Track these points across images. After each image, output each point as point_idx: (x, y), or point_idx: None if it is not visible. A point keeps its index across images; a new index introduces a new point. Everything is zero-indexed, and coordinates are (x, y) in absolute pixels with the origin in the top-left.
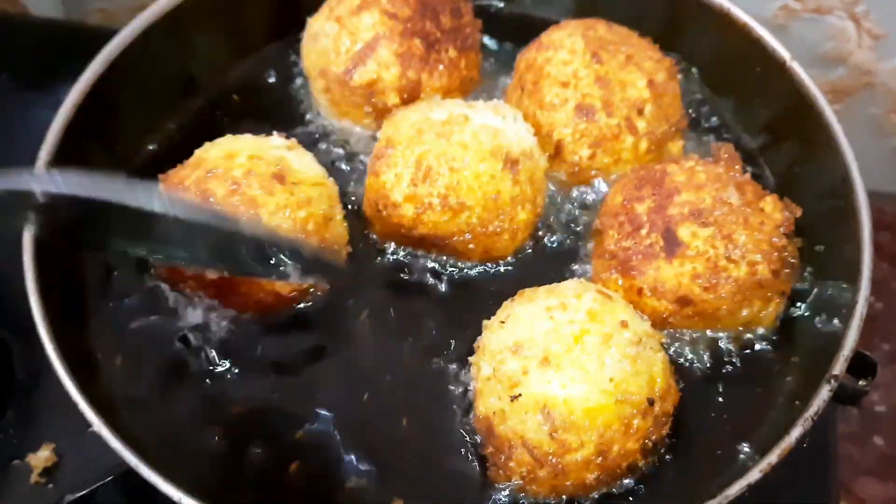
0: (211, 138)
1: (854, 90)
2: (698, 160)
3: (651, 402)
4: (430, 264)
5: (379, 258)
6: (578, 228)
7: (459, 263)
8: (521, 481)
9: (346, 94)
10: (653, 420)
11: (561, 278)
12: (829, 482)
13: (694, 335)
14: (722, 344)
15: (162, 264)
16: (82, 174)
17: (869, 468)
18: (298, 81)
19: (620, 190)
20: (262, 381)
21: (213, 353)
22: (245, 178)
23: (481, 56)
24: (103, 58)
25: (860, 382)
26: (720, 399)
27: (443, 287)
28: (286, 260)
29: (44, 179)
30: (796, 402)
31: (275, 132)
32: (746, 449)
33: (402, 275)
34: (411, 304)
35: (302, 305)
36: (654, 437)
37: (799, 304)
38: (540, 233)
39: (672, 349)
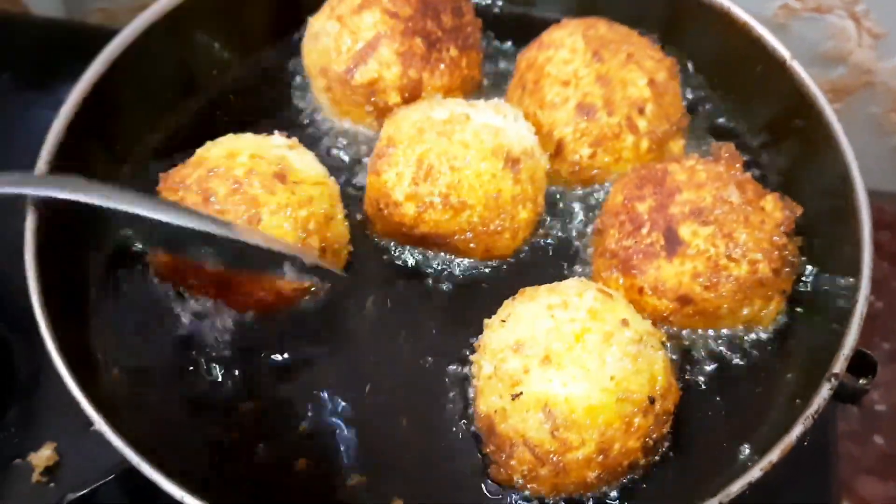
0: (211, 138)
1: (854, 89)
2: (699, 159)
3: (652, 401)
4: (432, 263)
5: (380, 257)
6: (579, 227)
7: (460, 262)
8: (522, 480)
9: (348, 94)
10: (654, 418)
11: (562, 277)
12: (829, 481)
13: (694, 334)
14: (722, 343)
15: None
16: (83, 182)
17: (869, 467)
18: (299, 81)
19: (621, 189)
20: (264, 379)
21: (214, 353)
22: (246, 178)
23: (482, 55)
24: (104, 58)
25: (860, 381)
26: (721, 398)
27: (444, 286)
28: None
29: (44, 185)
30: (797, 401)
31: (276, 131)
32: (747, 448)
33: (402, 274)
34: (412, 303)
35: (302, 305)
36: (655, 436)
37: (799, 302)
38: (541, 232)
39: (672, 348)
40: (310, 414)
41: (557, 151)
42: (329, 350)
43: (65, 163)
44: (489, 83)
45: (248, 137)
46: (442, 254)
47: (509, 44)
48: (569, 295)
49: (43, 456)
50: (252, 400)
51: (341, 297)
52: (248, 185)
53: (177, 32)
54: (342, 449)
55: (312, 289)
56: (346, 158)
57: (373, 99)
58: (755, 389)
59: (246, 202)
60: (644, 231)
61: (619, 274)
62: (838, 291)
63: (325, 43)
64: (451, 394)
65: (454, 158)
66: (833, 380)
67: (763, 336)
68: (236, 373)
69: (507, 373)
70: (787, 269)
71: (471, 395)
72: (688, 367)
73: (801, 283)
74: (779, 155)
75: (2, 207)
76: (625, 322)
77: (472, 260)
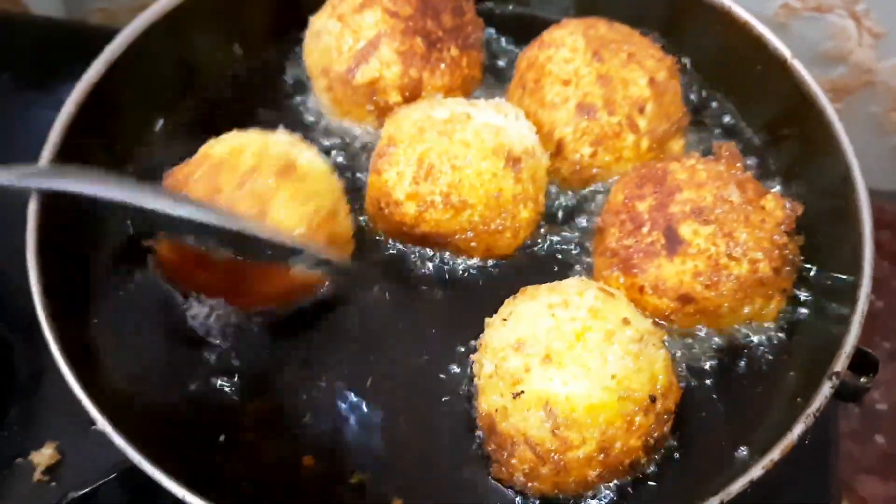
0: (213, 137)
1: (854, 89)
2: (699, 158)
3: (653, 399)
4: (433, 262)
5: (380, 256)
6: (580, 226)
7: (462, 261)
8: (523, 478)
9: (349, 93)
10: (655, 417)
11: (563, 276)
12: (830, 480)
13: (695, 333)
14: (723, 342)
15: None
16: (90, 172)
17: (870, 466)
18: (300, 80)
19: (622, 188)
20: (266, 378)
21: (217, 351)
22: (252, 173)
23: (483, 55)
24: (104, 58)
25: (861, 379)
26: (722, 396)
27: (445, 285)
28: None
29: (49, 177)
30: (798, 400)
31: (280, 126)
32: (748, 446)
33: (404, 273)
34: (413, 302)
35: (304, 303)
36: (656, 435)
37: (800, 301)
38: (542, 231)
39: (673, 347)
40: (311, 412)
41: (558, 151)
42: (330, 349)
43: (65, 162)
44: (489, 83)
45: (252, 134)
46: (443, 253)
47: (510, 43)
48: (570, 294)
49: (44, 455)
50: (255, 399)
51: (342, 296)
52: (253, 180)
53: (177, 32)
54: (344, 447)
55: (318, 285)
56: (347, 158)
57: (374, 98)
58: (756, 388)
59: (252, 196)
60: (645, 230)
61: (619, 273)
62: (839, 290)
63: (326, 42)
64: (452, 392)
65: (455, 158)
66: (834, 378)
67: (764, 335)
68: (239, 371)
69: (508, 371)
70: (788, 268)
71: (472, 393)
72: (688, 366)
73: (801, 282)
74: (779, 154)
75: (3, 207)
76: (626, 321)
77: (473, 259)
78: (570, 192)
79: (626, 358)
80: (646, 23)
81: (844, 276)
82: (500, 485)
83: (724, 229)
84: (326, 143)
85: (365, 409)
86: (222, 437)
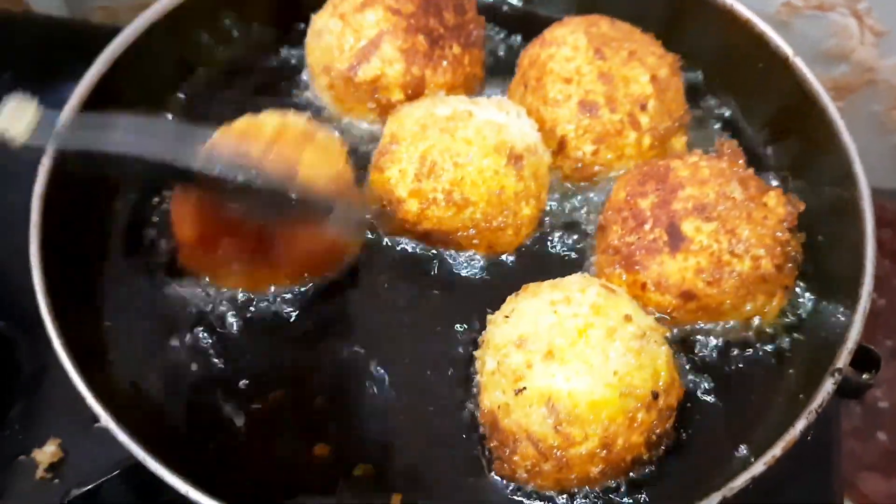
0: None
1: (856, 87)
2: (702, 155)
3: (655, 396)
4: (435, 259)
5: (381, 254)
6: (582, 224)
7: (463, 258)
8: (525, 475)
9: (351, 91)
10: (657, 413)
11: (565, 273)
12: (832, 477)
13: (696, 331)
14: (725, 338)
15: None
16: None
17: (872, 464)
18: (302, 78)
19: (624, 185)
20: (268, 376)
21: (221, 349)
22: (276, 140)
23: (484, 53)
24: (106, 57)
25: (864, 376)
26: (723, 394)
27: (447, 282)
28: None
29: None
30: (800, 396)
31: (292, 109)
32: (749, 444)
33: (405, 270)
34: (415, 299)
35: (305, 299)
36: (658, 431)
37: (802, 299)
38: (544, 228)
39: (675, 344)
40: (313, 408)
41: (560, 148)
42: (331, 344)
43: (66, 160)
44: (491, 81)
45: (267, 115)
46: (445, 250)
47: (511, 41)
48: (572, 290)
49: (47, 452)
50: (256, 396)
51: (342, 292)
52: (279, 146)
53: (178, 31)
54: (346, 442)
55: (345, 254)
56: (349, 155)
57: (376, 96)
58: (757, 385)
59: (280, 160)
60: (647, 227)
61: (621, 270)
62: (841, 288)
63: (327, 40)
64: (454, 389)
65: (457, 155)
66: (836, 374)
67: (765, 332)
68: (241, 369)
69: (511, 368)
70: (790, 265)
71: (474, 390)
72: (690, 363)
73: (803, 279)
74: (781, 152)
75: (5, 205)
76: (628, 317)
77: (475, 256)
78: (572, 190)
79: (629, 354)
80: (647, 20)
81: (846, 274)
82: (501, 482)
83: (726, 226)
84: None
85: (366, 406)
86: (225, 433)
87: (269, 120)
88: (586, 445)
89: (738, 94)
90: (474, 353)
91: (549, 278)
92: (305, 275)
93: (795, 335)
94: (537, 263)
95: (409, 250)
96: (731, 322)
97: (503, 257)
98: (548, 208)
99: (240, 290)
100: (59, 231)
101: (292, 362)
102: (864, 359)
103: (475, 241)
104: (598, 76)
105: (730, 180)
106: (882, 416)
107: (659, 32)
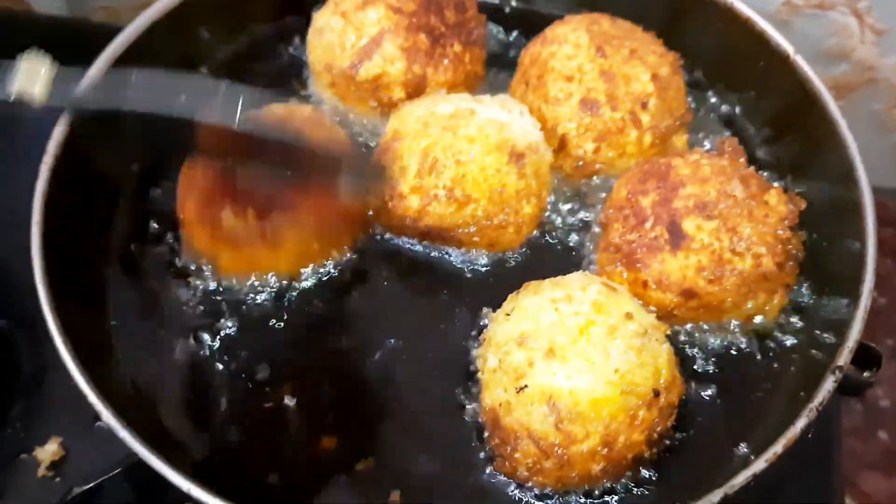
0: None
1: (857, 86)
2: (702, 153)
3: (657, 394)
4: (436, 257)
5: (383, 251)
6: (583, 222)
7: (465, 256)
8: (526, 473)
9: (352, 89)
10: (658, 411)
11: (566, 271)
12: (833, 476)
13: (697, 328)
14: (726, 337)
15: None
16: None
17: (873, 463)
18: (304, 76)
19: (625, 183)
20: (269, 373)
21: (222, 347)
22: (287, 119)
23: (485, 51)
24: (107, 56)
25: (864, 374)
26: (724, 392)
27: (448, 280)
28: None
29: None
30: (801, 394)
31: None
32: (750, 442)
33: (406, 268)
34: (416, 297)
35: (306, 297)
36: (659, 429)
37: (803, 297)
38: (545, 226)
39: (676, 343)
40: (315, 405)
41: (561, 146)
42: (332, 341)
43: (69, 158)
44: (492, 79)
45: (271, 106)
46: (446, 248)
47: (513, 40)
48: (573, 288)
49: (49, 451)
50: (258, 393)
51: (343, 289)
52: (291, 122)
53: (179, 30)
54: (347, 439)
55: (355, 228)
56: None
57: (377, 94)
58: (758, 384)
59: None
60: (648, 225)
61: (623, 268)
62: (842, 286)
63: (329, 39)
64: (455, 387)
65: (459, 152)
66: (837, 372)
67: (767, 330)
68: (243, 367)
69: (512, 366)
70: (791, 263)
71: (475, 388)
72: (691, 362)
73: (804, 278)
74: (782, 150)
75: (7, 203)
76: (629, 315)
77: (476, 254)
78: (573, 188)
79: (630, 352)
80: (648, 19)
81: (847, 272)
82: (501, 479)
83: (727, 224)
84: None
85: (367, 401)
86: (226, 428)
87: (276, 109)
88: (587, 443)
89: (738, 93)
90: (475, 350)
91: (551, 276)
92: (307, 261)
93: (796, 333)
94: (538, 261)
95: (410, 248)
96: (732, 320)
97: (504, 255)
98: (549, 206)
99: (240, 278)
100: (60, 229)
101: (293, 360)
102: (865, 357)
103: (476, 239)
104: (599, 74)
105: (731, 178)
106: (883, 415)
107: (660, 31)
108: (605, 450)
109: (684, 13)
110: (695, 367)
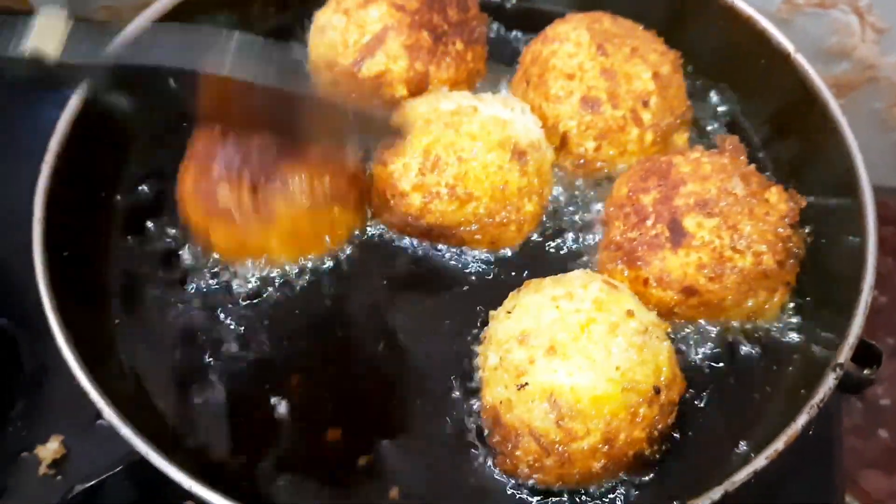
0: None
1: (858, 84)
2: (703, 151)
3: (657, 391)
4: (437, 255)
5: (384, 249)
6: (584, 220)
7: (466, 254)
8: (527, 470)
9: (354, 87)
10: (659, 409)
11: (567, 269)
12: (833, 474)
13: (698, 327)
14: (726, 335)
15: None
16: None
17: (873, 461)
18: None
19: (626, 181)
20: (270, 371)
21: (223, 345)
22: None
23: (487, 49)
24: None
25: (865, 371)
26: (725, 390)
27: (449, 278)
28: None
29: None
30: (801, 392)
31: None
32: (750, 440)
33: (408, 266)
34: (418, 295)
35: (306, 294)
36: (660, 426)
37: (804, 295)
38: (546, 224)
39: (676, 341)
40: (317, 401)
41: (562, 144)
42: (333, 338)
43: (70, 157)
44: (493, 77)
45: None
46: (448, 246)
47: (514, 38)
48: (574, 286)
49: (50, 449)
50: (262, 392)
51: (345, 287)
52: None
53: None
54: (350, 434)
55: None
56: None
57: (380, 92)
58: (759, 381)
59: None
60: (649, 223)
61: (623, 266)
62: (843, 284)
63: (331, 37)
64: (457, 384)
65: (461, 150)
66: (838, 369)
67: (767, 328)
68: (243, 366)
69: (513, 363)
70: (792, 261)
71: (476, 386)
72: (691, 360)
73: (805, 276)
74: (783, 148)
75: (8, 202)
76: (630, 313)
77: (477, 252)
78: (574, 186)
79: (631, 350)
80: (649, 17)
81: (848, 270)
82: (503, 477)
83: (728, 222)
84: None
85: (369, 401)
86: (227, 424)
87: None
88: (588, 440)
89: (739, 91)
90: (476, 348)
91: (552, 274)
92: (299, 244)
93: (796, 332)
94: (539, 259)
95: (412, 246)
96: (733, 318)
97: (505, 253)
98: (550, 204)
99: (233, 260)
100: (61, 227)
101: (294, 358)
102: (865, 354)
103: (477, 237)
104: (600, 72)
105: (731, 176)
106: (883, 414)
107: (660, 30)
108: (606, 447)
109: (685, 12)
110: (695, 364)
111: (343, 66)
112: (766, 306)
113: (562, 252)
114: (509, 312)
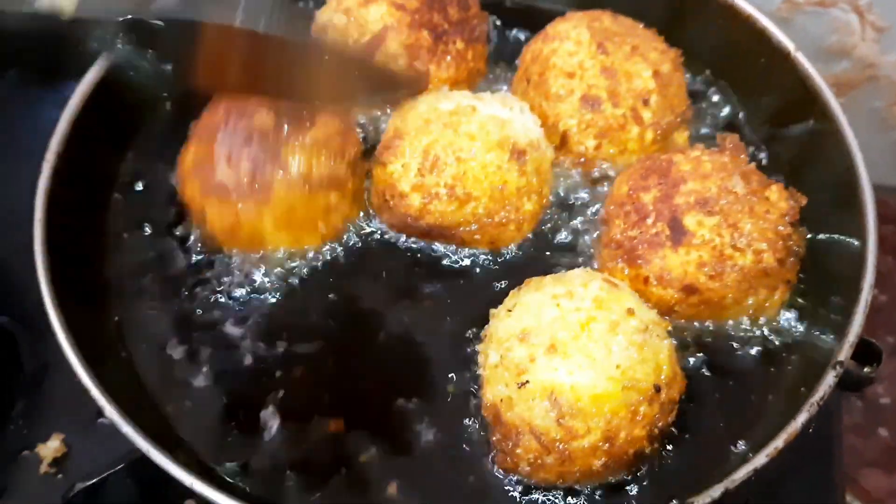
0: None
1: (858, 83)
2: (703, 150)
3: (658, 389)
4: (438, 254)
5: (384, 249)
6: (584, 218)
7: (466, 253)
8: (528, 468)
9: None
10: (659, 407)
11: (567, 268)
12: (833, 473)
13: (699, 325)
14: (727, 333)
15: None
16: None
17: (873, 460)
18: None
19: (626, 180)
20: (270, 369)
21: (225, 342)
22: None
23: (487, 48)
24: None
25: (865, 369)
26: (725, 388)
27: (450, 277)
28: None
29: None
30: (801, 390)
31: None
32: (750, 439)
33: (409, 264)
34: (419, 294)
35: (307, 292)
36: (660, 424)
37: (804, 293)
38: (546, 223)
39: (677, 338)
40: (317, 399)
41: (562, 143)
42: (335, 335)
43: (71, 156)
44: (494, 76)
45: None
46: (448, 245)
47: (514, 37)
48: (574, 285)
49: (51, 447)
50: (263, 389)
51: (347, 285)
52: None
53: None
54: (349, 431)
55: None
56: None
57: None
58: (760, 379)
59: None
60: (649, 221)
61: (624, 264)
62: (842, 283)
63: (331, 36)
64: (457, 382)
65: (460, 150)
66: (838, 367)
67: (767, 327)
68: (245, 363)
69: (514, 361)
70: (792, 259)
71: (476, 384)
72: (692, 358)
73: (805, 274)
74: (783, 146)
75: (7, 202)
76: (630, 311)
77: (477, 251)
78: (574, 185)
79: (631, 348)
80: (649, 16)
81: (848, 269)
82: (503, 475)
83: (728, 220)
84: None
85: (369, 399)
86: (230, 424)
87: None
88: (589, 439)
89: (739, 90)
90: (477, 347)
91: (552, 273)
92: (292, 230)
93: (797, 330)
94: (539, 258)
95: (412, 246)
96: (733, 316)
97: (505, 252)
98: (550, 203)
99: (227, 241)
100: (62, 226)
101: (294, 356)
102: (865, 352)
103: (477, 237)
104: (600, 71)
105: (732, 174)
106: (883, 413)
107: (661, 28)
108: (607, 445)
109: (685, 10)
110: (696, 363)
111: None
112: (767, 304)
113: (562, 250)
114: (510, 311)
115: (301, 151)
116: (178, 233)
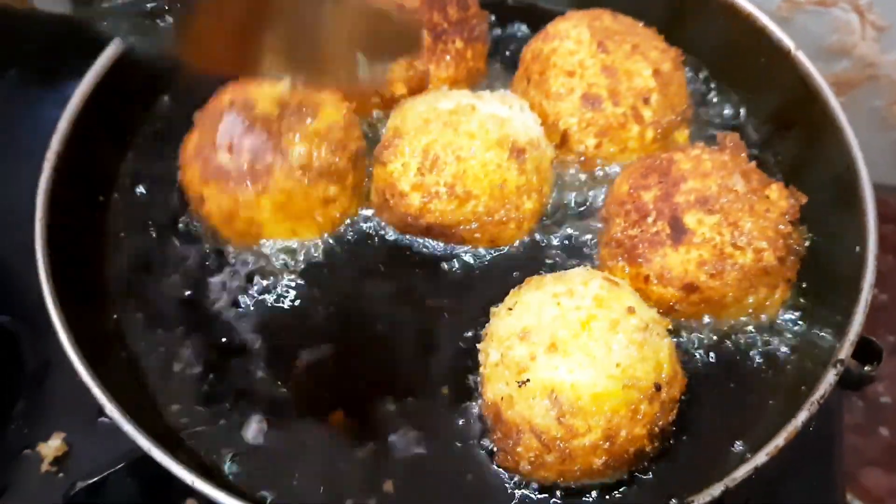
0: None
1: (858, 82)
2: (704, 148)
3: (658, 388)
4: (438, 253)
5: (385, 247)
6: (584, 217)
7: (466, 252)
8: (528, 467)
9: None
10: (660, 406)
11: (567, 266)
12: (834, 472)
13: (699, 323)
14: (727, 332)
15: None
16: None
17: (874, 459)
18: None
19: (627, 178)
20: (271, 368)
21: (225, 340)
22: (288, 103)
23: (487, 47)
24: (109, 54)
25: (865, 368)
26: (725, 387)
27: (450, 275)
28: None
29: None
30: (801, 388)
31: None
32: (751, 436)
33: (409, 263)
34: (418, 293)
35: (307, 291)
36: (661, 423)
37: (804, 292)
38: (546, 221)
39: (677, 338)
40: (318, 397)
41: (563, 142)
42: (335, 334)
43: (72, 155)
44: (494, 75)
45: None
46: (448, 244)
47: (515, 36)
48: (574, 283)
49: (52, 446)
50: (263, 388)
51: (348, 284)
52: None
53: None
54: (348, 428)
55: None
56: None
57: (379, 90)
58: (760, 378)
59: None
60: (650, 220)
61: (624, 263)
62: (843, 282)
63: None
64: (458, 381)
65: (460, 149)
66: (839, 366)
67: (767, 325)
68: (243, 362)
69: (514, 360)
70: (792, 258)
71: (477, 382)
72: (693, 356)
73: (805, 273)
74: (783, 145)
75: (7, 201)
76: (630, 310)
77: (477, 250)
78: (574, 183)
79: (631, 346)
80: (649, 15)
81: (848, 268)
82: (504, 474)
83: (728, 219)
84: None
85: (368, 395)
86: (232, 421)
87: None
88: (589, 437)
89: (740, 89)
90: (477, 345)
91: (552, 271)
92: (289, 221)
93: (797, 329)
94: (540, 257)
95: (412, 245)
96: (733, 315)
97: (506, 250)
98: (550, 202)
99: (223, 230)
100: (63, 226)
101: (294, 354)
102: (866, 351)
103: (477, 236)
104: (601, 70)
105: (732, 173)
106: (884, 412)
107: (661, 27)
108: (607, 444)
109: (685, 9)
110: (696, 361)
111: None
112: (767, 303)
113: (562, 249)
114: (510, 309)
115: (302, 142)
116: (177, 232)
